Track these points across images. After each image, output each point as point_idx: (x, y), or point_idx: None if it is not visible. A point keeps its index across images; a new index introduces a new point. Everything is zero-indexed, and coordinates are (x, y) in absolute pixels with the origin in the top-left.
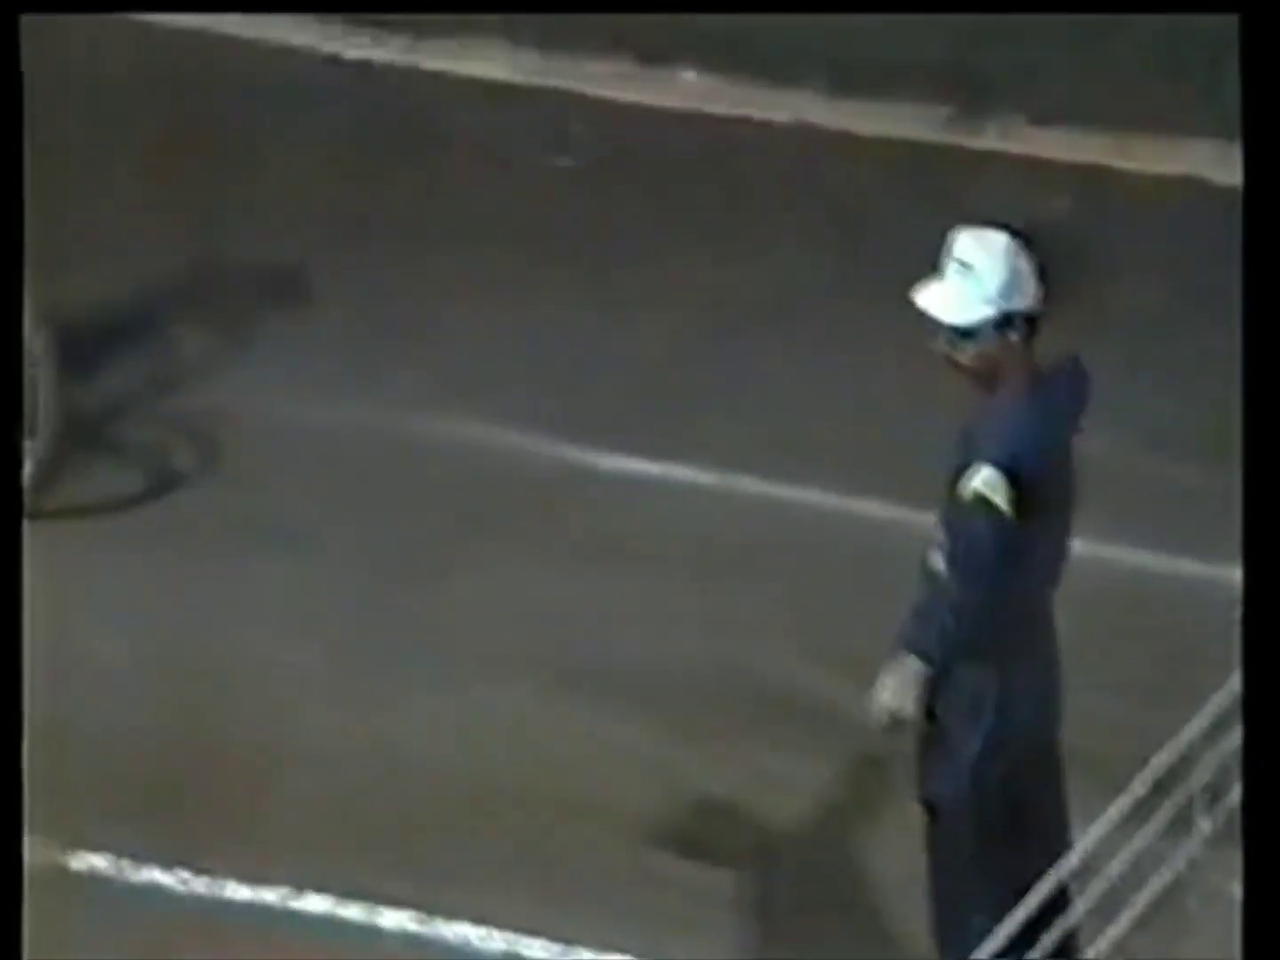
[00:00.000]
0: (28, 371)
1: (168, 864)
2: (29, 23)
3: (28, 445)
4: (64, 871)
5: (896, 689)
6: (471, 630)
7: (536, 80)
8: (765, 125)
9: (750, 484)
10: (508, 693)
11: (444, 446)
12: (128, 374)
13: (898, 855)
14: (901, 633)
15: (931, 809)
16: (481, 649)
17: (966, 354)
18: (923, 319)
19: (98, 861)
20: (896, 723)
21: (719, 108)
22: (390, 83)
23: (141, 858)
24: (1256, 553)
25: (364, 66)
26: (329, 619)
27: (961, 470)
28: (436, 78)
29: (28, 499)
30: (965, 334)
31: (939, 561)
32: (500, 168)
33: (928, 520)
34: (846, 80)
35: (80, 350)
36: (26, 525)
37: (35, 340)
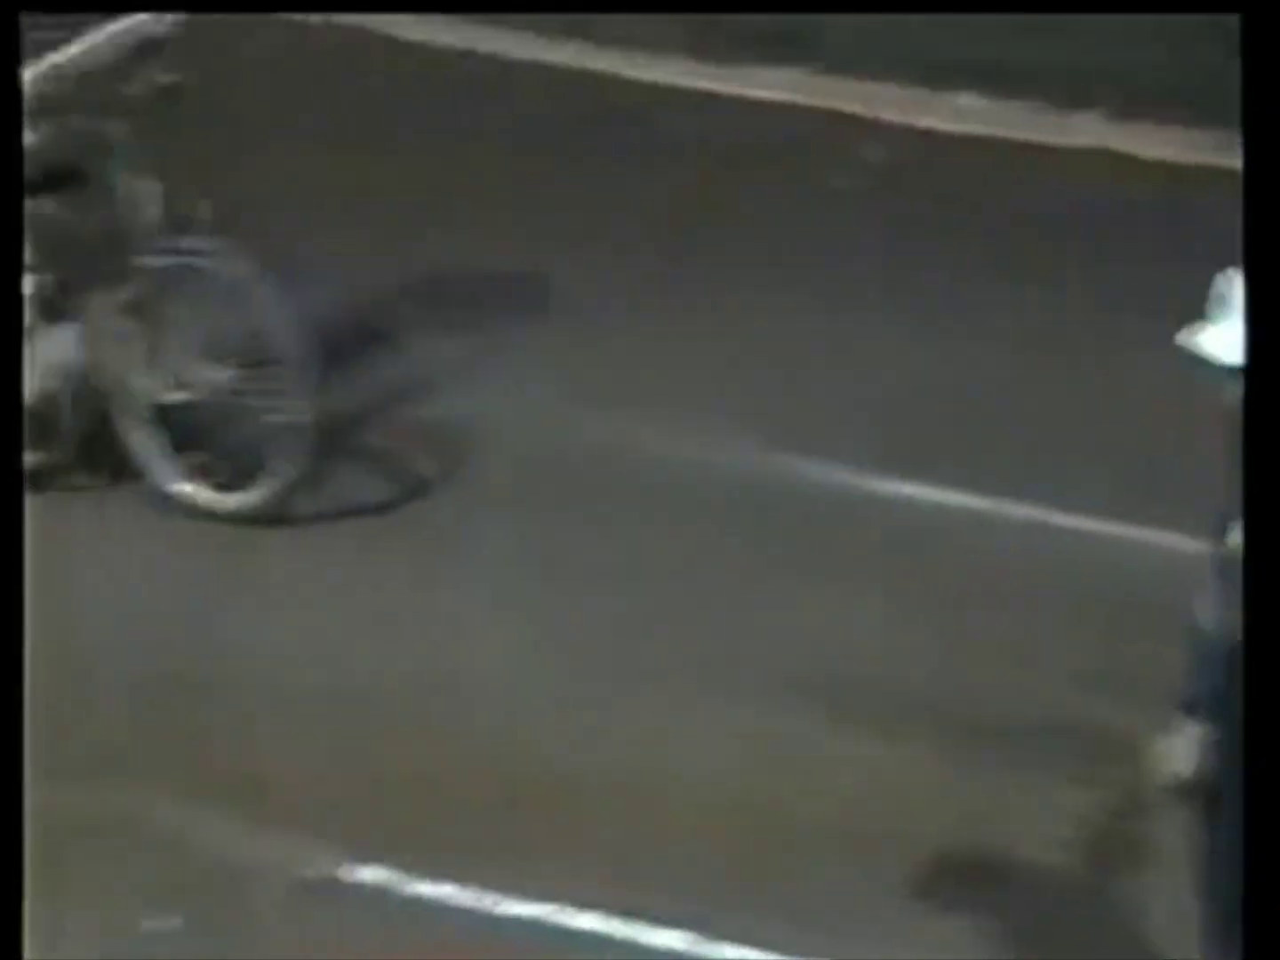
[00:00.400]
0: (273, 381)
1: (440, 878)
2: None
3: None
4: (339, 883)
5: (1175, 753)
6: (743, 654)
7: (816, 101)
8: (1048, 149)
9: (1038, 512)
10: (781, 719)
11: (708, 466)
12: (373, 381)
13: (1179, 887)
14: (1180, 692)
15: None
16: (756, 674)
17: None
18: (1197, 364)
19: (372, 874)
20: (1180, 786)
21: (999, 130)
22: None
23: (414, 871)
24: (1257, 552)
25: (570, 72)
26: (584, 638)
27: (1230, 519)
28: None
29: (276, 506)
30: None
31: (1206, 611)
32: (768, 184)
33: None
34: (1128, 103)
35: (326, 357)
36: (272, 531)
37: (288, 346)
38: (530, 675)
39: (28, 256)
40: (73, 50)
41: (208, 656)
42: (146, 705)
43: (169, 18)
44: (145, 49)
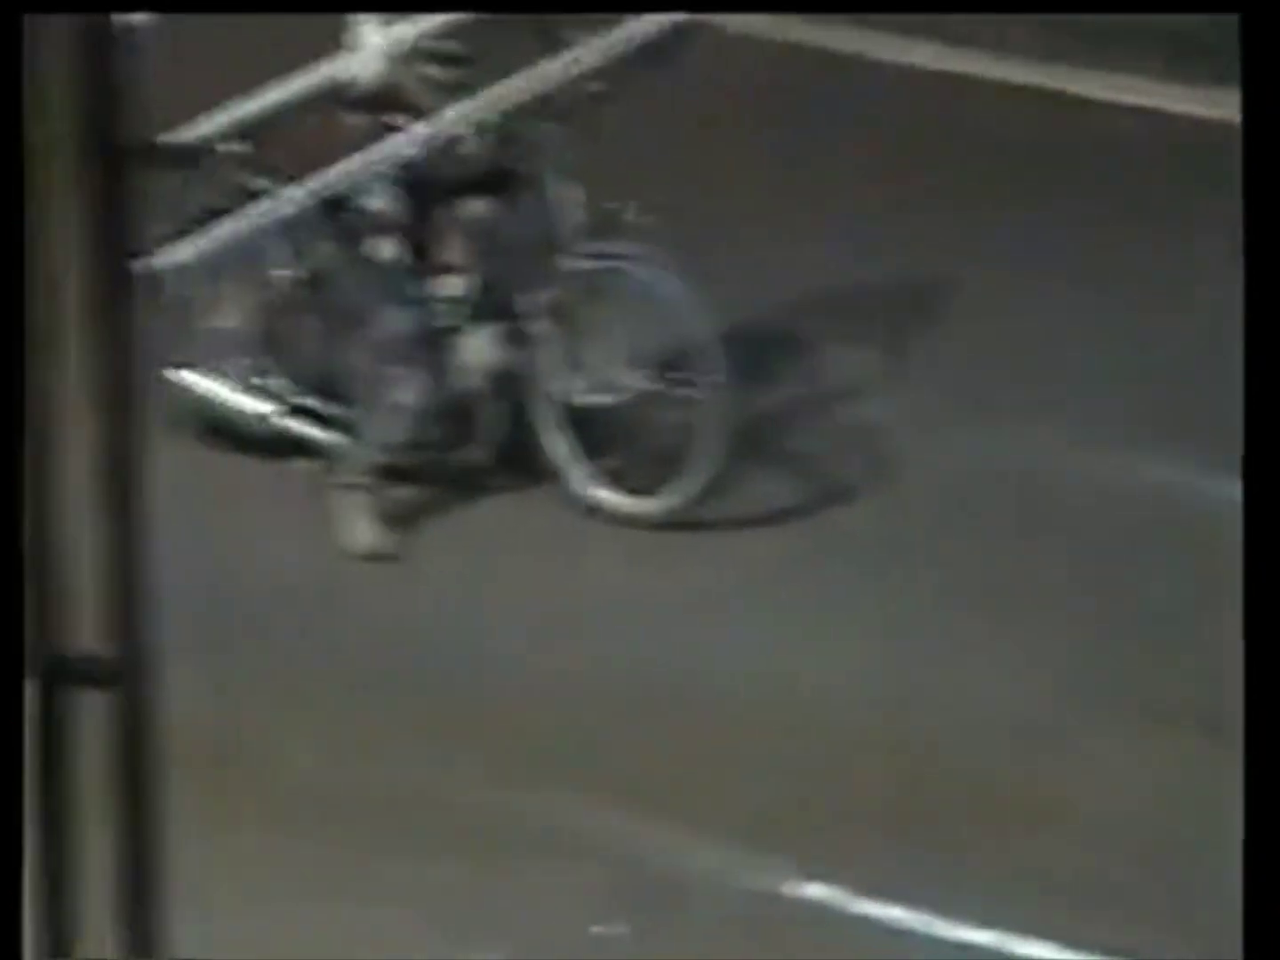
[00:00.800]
0: (690, 385)
1: (884, 898)
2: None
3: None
4: (783, 898)
5: None
6: (1184, 685)
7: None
8: None
9: None
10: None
11: (1124, 487)
12: (787, 387)
13: None
14: None
15: None
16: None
17: None
18: None
19: (818, 891)
20: None
21: None
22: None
23: (861, 890)
24: (1257, 553)
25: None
26: (1026, 660)
27: None
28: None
29: (691, 511)
30: None
31: None
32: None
33: None
34: None
35: (742, 362)
36: (687, 535)
37: (706, 351)
38: (979, 696)
39: (456, 257)
40: (571, 55)
41: (631, 665)
42: (580, 713)
43: (667, 20)
44: (646, 52)
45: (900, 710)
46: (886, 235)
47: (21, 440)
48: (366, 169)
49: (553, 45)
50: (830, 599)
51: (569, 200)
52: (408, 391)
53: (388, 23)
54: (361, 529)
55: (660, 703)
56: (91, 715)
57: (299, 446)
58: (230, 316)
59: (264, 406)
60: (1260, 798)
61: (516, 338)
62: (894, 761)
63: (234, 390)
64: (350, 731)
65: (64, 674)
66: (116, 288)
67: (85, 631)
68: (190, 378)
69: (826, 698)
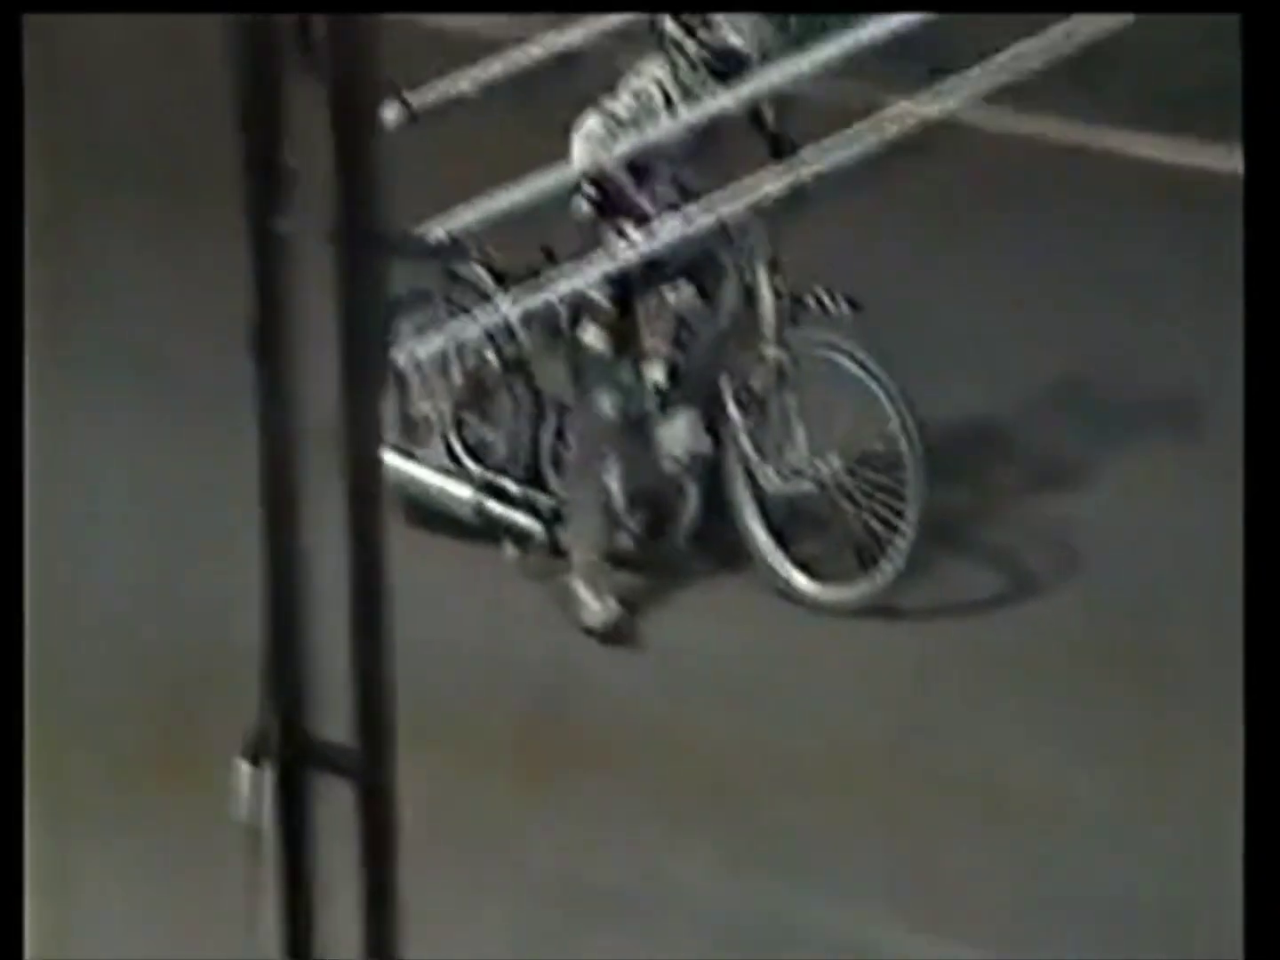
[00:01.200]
0: (887, 473)
1: None
2: None
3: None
4: None
5: None
6: None
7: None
8: None
9: None
10: None
11: None
12: (985, 476)
13: None
14: None
15: None
16: None
17: None
18: None
19: None
20: None
21: None
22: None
23: None
24: (1257, 554)
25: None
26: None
27: None
28: None
29: (885, 599)
30: None
31: None
32: None
33: None
34: None
35: (939, 450)
36: (881, 624)
37: (904, 439)
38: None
39: (660, 343)
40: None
41: (831, 749)
42: (812, 798)
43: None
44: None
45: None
46: (1084, 332)
47: (20, 443)
48: (589, 271)
49: (782, 148)
50: (1027, 694)
51: (773, 287)
52: (611, 476)
53: (616, 119)
54: (588, 609)
55: (901, 788)
56: (331, 798)
57: (505, 530)
58: (439, 400)
59: (468, 491)
60: (1261, 797)
61: (718, 424)
62: (1102, 857)
63: (441, 474)
64: (581, 811)
65: (304, 758)
66: (366, 374)
67: (325, 716)
68: (399, 461)
69: (1034, 796)
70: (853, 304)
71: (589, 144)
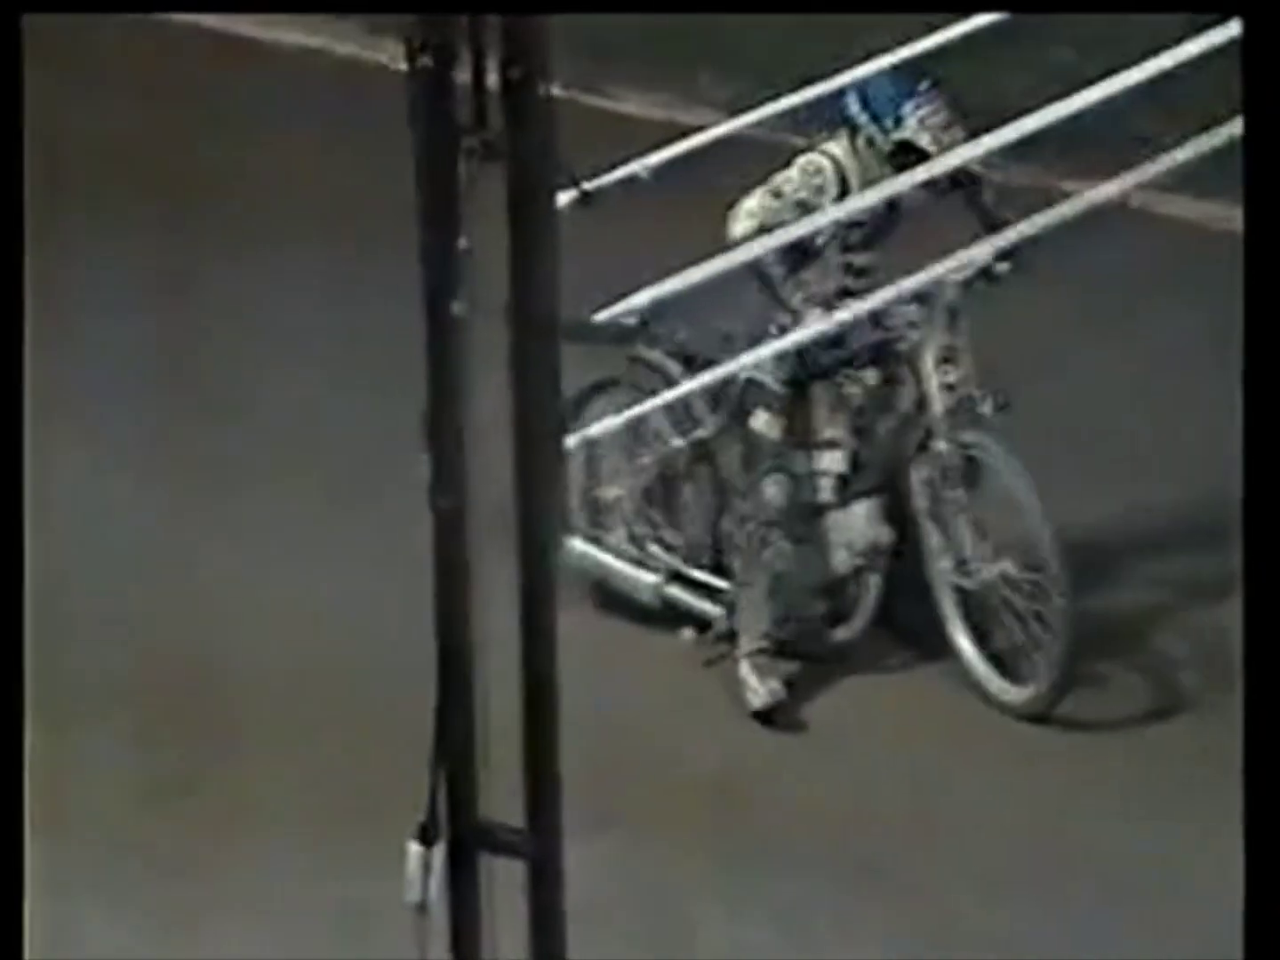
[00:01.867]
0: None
1: None
2: None
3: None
4: None
5: None
6: None
7: None
8: None
9: None
10: None
11: None
12: (1143, 585)
13: None
14: None
15: None
16: None
17: None
18: None
19: None
20: None
21: None
22: None
23: None
24: (1257, 554)
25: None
26: None
27: None
28: None
29: (1044, 705)
30: None
31: None
32: None
33: None
34: None
35: (1087, 558)
36: (1040, 729)
37: (1045, 547)
38: None
39: (836, 432)
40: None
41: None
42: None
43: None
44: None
45: None
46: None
47: (20, 453)
48: (760, 356)
49: (997, 228)
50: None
51: (944, 381)
52: (787, 565)
53: (778, 194)
54: (754, 693)
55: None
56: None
57: (686, 616)
58: (625, 485)
59: (651, 576)
60: (1261, 797)
61: (892, 515)
62: None
63: (626, 559)
64: (765, 909)
65: (474, 839)
66: (542, 457)
67: (495, 800)
68: (585, 546)
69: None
70: (999, 405)
71: (744, 221)
